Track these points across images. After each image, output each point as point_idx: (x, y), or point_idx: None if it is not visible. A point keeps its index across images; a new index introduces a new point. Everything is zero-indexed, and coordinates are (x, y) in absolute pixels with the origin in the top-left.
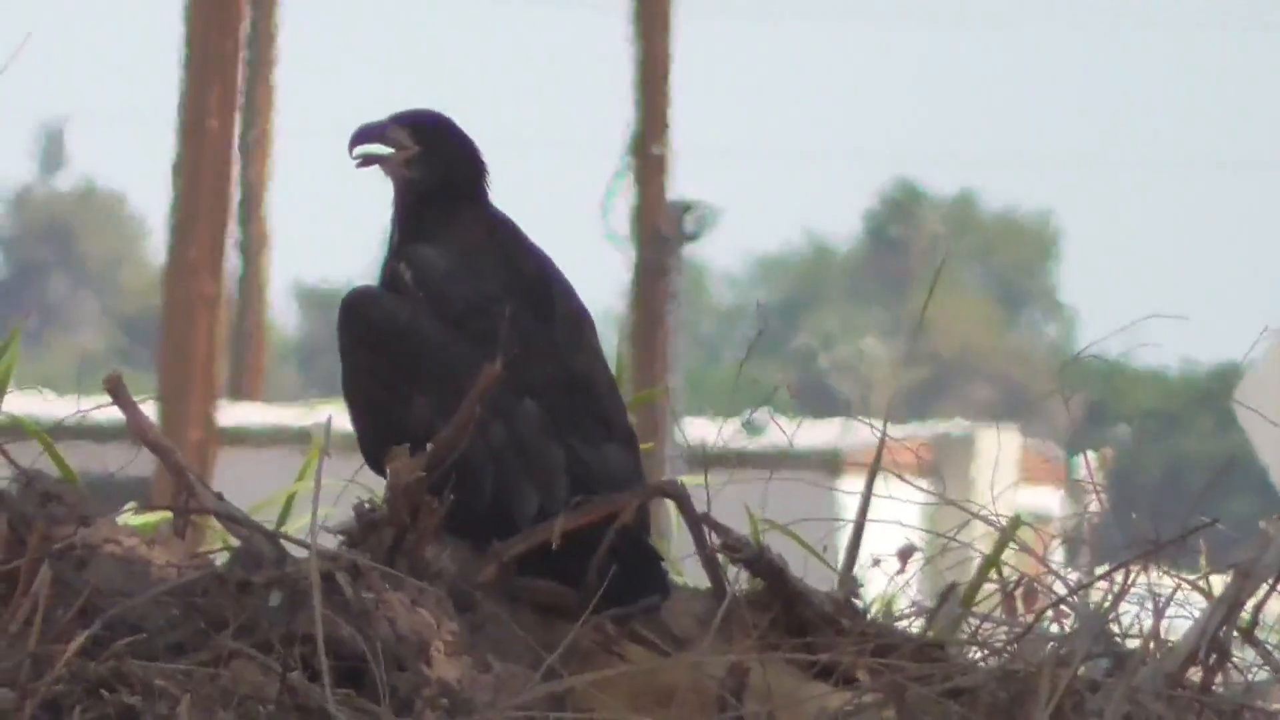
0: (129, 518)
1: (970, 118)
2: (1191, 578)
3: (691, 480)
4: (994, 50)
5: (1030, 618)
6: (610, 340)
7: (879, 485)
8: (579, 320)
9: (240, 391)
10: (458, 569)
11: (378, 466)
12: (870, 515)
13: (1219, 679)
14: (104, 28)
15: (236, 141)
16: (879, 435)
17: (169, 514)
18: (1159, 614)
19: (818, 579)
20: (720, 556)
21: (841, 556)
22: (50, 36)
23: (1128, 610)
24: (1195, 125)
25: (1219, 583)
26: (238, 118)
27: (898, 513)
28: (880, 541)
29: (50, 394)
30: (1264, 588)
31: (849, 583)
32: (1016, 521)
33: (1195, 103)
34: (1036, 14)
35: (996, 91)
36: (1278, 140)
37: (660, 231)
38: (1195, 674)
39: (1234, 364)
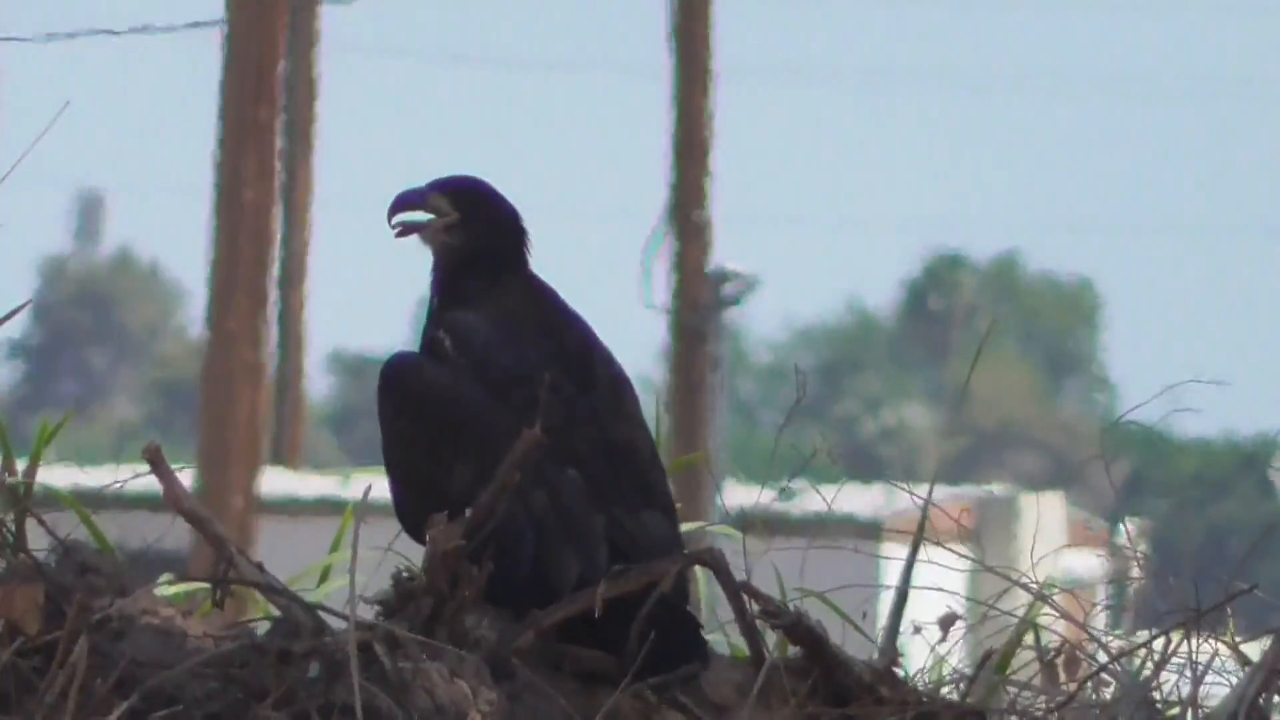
0: (166, 589)
1: (1010, 185)
2: (1229, 644)
3: (733, 547)
4: (1033, 117)
5: (1071, 685)
6: (650, 407)
7: (920, 551)
8: (620, 388)
9: (279, 460)
10: (497, 637)
11: (417, 535)
12: (912, 582)
13: None
14: (139, 99)
15: (276, 211)
16: (920, 502)
17: (206, 585)
18: (1197, 680)
19: (858, 647)
20: (760, 624)
21: (882, 624)
22: (86, 106)
23: (1167, 678)
24: (1236, 192)
25: (1257, 649)
26: (276, 188)
27: (940, 579)
28: (922, 608)
29: (88, 465)
30: None
31: (889, 650)
32: (1050, 586)
33: (1237, 170)
34: (1075, 81)
35: (1036, 159)
36: None
37: (699, 299)
38: None
39: (1274, 433)
